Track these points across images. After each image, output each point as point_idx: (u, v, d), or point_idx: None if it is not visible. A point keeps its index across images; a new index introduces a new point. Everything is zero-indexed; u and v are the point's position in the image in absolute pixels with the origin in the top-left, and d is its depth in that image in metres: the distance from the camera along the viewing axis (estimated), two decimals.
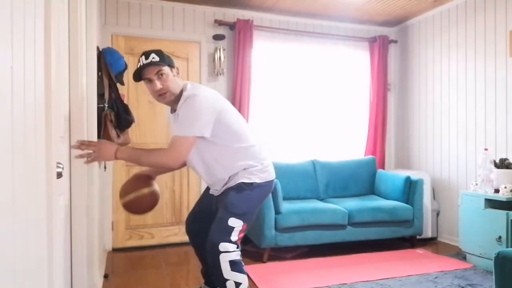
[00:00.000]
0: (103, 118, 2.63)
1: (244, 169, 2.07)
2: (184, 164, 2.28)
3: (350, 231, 3.61)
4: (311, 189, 4.07)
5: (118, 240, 3.79)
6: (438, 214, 4.16)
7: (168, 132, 3.88)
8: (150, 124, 3.92)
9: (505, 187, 3.06)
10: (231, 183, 2.07)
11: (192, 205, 2.50)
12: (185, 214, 3.85)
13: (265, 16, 4.28)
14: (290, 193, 3.92)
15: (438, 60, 4.18)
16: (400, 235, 3.79)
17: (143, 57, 1.98)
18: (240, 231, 1.98)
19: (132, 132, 3.37)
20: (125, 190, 2.16)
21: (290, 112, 4.36)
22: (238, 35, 4.04)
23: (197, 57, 4.09)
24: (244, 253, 1.97)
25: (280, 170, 3.67)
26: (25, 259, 0.95)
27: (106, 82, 2.73)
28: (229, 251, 1.90)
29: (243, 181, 2.04)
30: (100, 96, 2.63)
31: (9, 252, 0.82)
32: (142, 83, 2.09)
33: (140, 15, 3.90)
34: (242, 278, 1.92)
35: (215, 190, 2.19)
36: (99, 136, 2.57)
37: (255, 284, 2.83)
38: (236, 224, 1.96)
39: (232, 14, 4.18)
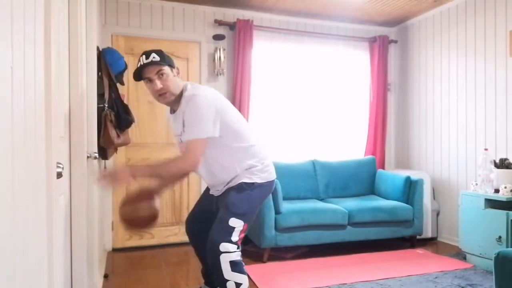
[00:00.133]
0: (103, 118, 2.64)
1: (245, 169, 2.07)
2: None
3: (350, 231, 3.61)
4: (311, 189, 4.07)
5: (118, 240, 3.79)
6: (438, 214, 4.16)
7: (168, 131, 3.89)
8: (150, 124, 3.92)
9: (505, 187, 3.06)
10: (232, 183, 2.07)
11: (192, 205, 2.50)
12: (185, 214, 3.85)
13: (265, 16, 4.28)
14: (290, 193, 3.92)
15: (438, 60, 4.18)
16: (400, 235, 3.79)
17: (144, 56, 1.98)
18: (241, 232, 1.97)
19: (132, 132, 3.37)
20: (124, 201, 2.06)
21: (290, 112, 4.36)
22: (238, 35, 4.04)
23: (197, 57, 4.09)
24: (244, 253, 1.97)
25: (280, 170, 3.67)
26: (25, 259, 0.95)
27: (106, 82, 2.74)
28: (229, 252, 1.90)
29: (244, 181, 2.04)
30: (100, 96, 2.63)
31: (9, 252, 0.82)
32: (142, 83, 2.09)
33: (140, 15, 3.90)
34: (242, 279, 1.92)
35: (216, 191, 2.19)
36: (99, 136, 2.57)
37: (255, 284, 2.83)
38: (236, 224, 1.95)
39: (232, 14, 4.18)
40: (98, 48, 2.73)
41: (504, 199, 3.03)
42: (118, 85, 2.92)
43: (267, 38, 4.25)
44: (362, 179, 4.26)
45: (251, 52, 4.08)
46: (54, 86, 1.22)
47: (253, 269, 3.14)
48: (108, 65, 2.79)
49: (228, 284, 1.89)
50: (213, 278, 2.26)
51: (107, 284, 2.87)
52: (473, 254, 3.25)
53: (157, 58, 1.97)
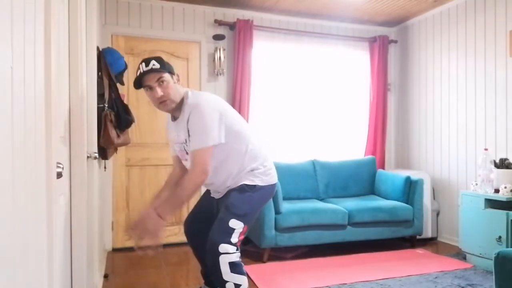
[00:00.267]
0: (103, 118, 2.64)
1: (247, 171, 2.06)
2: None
3: (350, 231, 3.61)
4: (311, 189, 4.07)
5: (118, 240, 3.79)
6: (438, 214, 4.16)
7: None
8: (150, 124, 3.92)
9: (505, 187, 3.06)
10: (233, 185, 2.07)
11: (192, 205, 2.50)
12: (185, 214, 3.84)
13: (265, 16, 4.28)
14: (290, 193, 3.92)
15: (438, 60, 4.18)
16: (400, 235, 3.80)
17: (143, 64, 1.96)
18: (241, 233, 1.97)
19: (132, 132, 3.37)
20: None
21: (290, 112, 4.36)
22: (238, 35, 4.04)
23: (197, 57, 4.09)
24: (244, 253, 1.96)
25: (280, 170, 3.66)
26: (25, 259, 0.95)
27: (106, 82, 2.74)
28: (229, 253, 1.90)
29: (245, 182, 2.04)
30: (100, 96, 2.63)
31: (9, 252, 0.82)
32: None
33: (140, 15, 3.90)
34: (242, 280, 1.92)
35: (217, 193, 2.19)
36: (99, 136, 2.57)
37: (255, 284, 2.83)
38: (237, 225, 1.95)
39: (232, 14, 4.18)
40: (98, 48, 2.73)
41: (504, 199, 3.03)
42: (118, 85, 2.92)
43: (267, 38, 4.25)
44: (362, 179, 4.26)
45: (251, 52, 4.08)
46: (54, 86, 1.22)
47: (253, 269, 3.14)
48: (108, 65, 2.79)
49: (227, 285, 1.89)
50: (213, 278, 2.26)
51: (107, 284, 2.87)
52: (473, 254, 3.25)
53: (157, 66, 1.95)
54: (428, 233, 4.00)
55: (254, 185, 2.04)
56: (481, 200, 3.17)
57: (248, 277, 2.01)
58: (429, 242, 4.03)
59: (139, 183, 3.87)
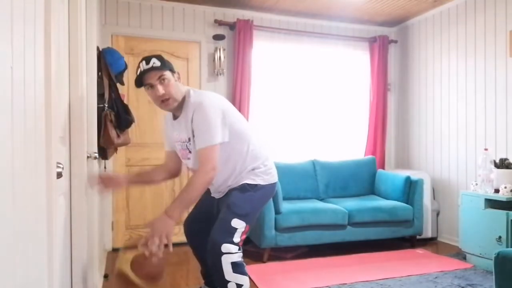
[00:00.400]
0: (103, 118, 2.64)
1: (248, 171, 2.06)
2: (178, 173, 2.29)
3: (350, 231, 3.61)
4: (311, 189, 4.07)
5: (118, 240, 3.79)
6: (438, 214, 4.16)
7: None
8: (150, 124, 3.92)
9: (505, 187, 3.06)
10: (234, 184, 2.06)
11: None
12: (185, 214, 3.84)
13: (265, 16, 4.28)
14: (290, 193, 3.92)
15: (438, 60, 4.18)
16: (400, 235, 3.80)
17: (144, 62, 1.94)
18: (243, 233, 1.96)
19: (132, 132, 3.37)
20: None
21: (290, 112, 4.37)
22: (238, 35, 4.04)
23: (197, 57, 4.09)
24: (244, 253, 1.96)
25: (280, 170, 3.65)
26: (25, 259, 0.95)
27: (106, 82, 2.73)
28: (231, 253, 1.89)
29: (247, 182, 2.03)
30: (100, 96, 2.63)
31: (9, 252, 0.82)
32: None
33: (140, 15, 3.90)
34: (243, 280, 1.91)
35: (218, 193, 2.18)
36: (99, 136, 2.57)
37: (255, 284, 2.83)
38: (239, 225, 1.94)
39: (232, 14, 4.18)
40: (98, 48, 2.73)
41: (504, 199, 3.03)
42: (118, 85, 2.92)
43: (267, 38, 4.25)
44: (362, 179, 4.26)
45: (251, 52, 4.08)
46: (54, 86, 1.22)
47: (253, 269, 3.14)
48: (108, 65, 2.79)
49: (229, 285, 1.88)
50: (213, 279, 2.25)
51: (107, 284, 2.87)
52: (473, 254, 3.25)
53: (158, 64, 1.93)
54: (428, 233, 4.00)
55: (256, 184, 2.04)
56: (481, 200, 3.17)
57: (248, 277, 2.01)
58: (429, 242, 4.03)
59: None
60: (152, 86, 1.96)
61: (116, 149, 3.09)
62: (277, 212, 3.41)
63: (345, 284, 2.84)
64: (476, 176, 3.69)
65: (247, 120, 4.00)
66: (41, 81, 1.13)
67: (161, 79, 1.94)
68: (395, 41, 4.75)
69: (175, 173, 2.29)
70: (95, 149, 2.42)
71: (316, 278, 2.97)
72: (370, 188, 4.28)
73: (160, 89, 1.94)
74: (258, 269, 3.18)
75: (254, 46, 4.13)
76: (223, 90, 4.14)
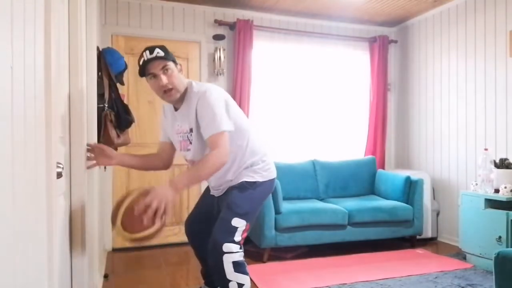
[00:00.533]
0: (103, 118, 2.63)
1: (247, 167, 2.06)
2: (169, 165, 2.27)
3: (350, 231, 3.61)
4: (311, 189, 4.07)
5: (118, 240, 3.79)
6: (438, 214, 4.16)
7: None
8: (150, 124, 3.92)
9: (505, 187, 3.06)
10: (234, 182, 2.06)
11: (192, 205, 2.50)
12: (185, 214, 3.85)
13: (265, 16, 4.28)
14: (290, 193, 3.92)
15: (438, 60, 4.18)
16: (400, 235, 3.80)
17: (147, 51, 1.93)
18: (243, 231, 1.96)
19: (132, 132, 3.37)
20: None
21: (290, 112, 4.37)
22: (238, 35, 4.05)
23: (197, 57, 4.09)
24: (244, 253, 1.96)
25: (280, 170, 3.66)
26: (25, 259, 0.95)
27: (106, 82, 2.73)
28: (232, 252, 1.89)
29: (245, 180, 2.03)
30: (100, 96, 2.63)
31: (9, 253, 0.82)
32: (142, 82, 2.07)
33: (140, 15, 3.90)
34: (245, 280, 1.91)
35: (217, 191, 2.18)
36: (99, 136, 2.57)
37: (255, 284, 2.83)
38: (239, 224, 1.94)
39: (232, 14, 4.18)
40: (98, 48, 2.73)
41: (504, 199, 3.03)
42: (118, 85, 2.92)
43: (267, 38, 4.25)
44: (362, 179, 4.26)
45: (251, 52, 4.08)
46: (54, 86, 1.22)
47: (253, 269, 3.14)
48: (108, 65, 2.79)
49: (230, 284, 1.88)
50: (213, 278, 2.25)
51: (107, 284, 2.87)
52: (473, 254, 3.25)
53: (162, 53, 1.92)
54: (428, 233, 4.00)
55: (254, 182, 2.04)
56: (481, 200, 3.17)
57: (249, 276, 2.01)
58: (429, 242, 4.03)
59: (139, 183, 3.86)
60: (155, 76, 1.94)
61: (116, 149, 3.08)
62: (277, 212, 3.41)
63: (345, 284, 2.84)
64: (476, 176, 3.69)
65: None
66: (41, 81, 1.13)
67: (165, 69, 1.93)
68: (395, 41, 4.75)
69: (167, 164, 2.28)
70: None
71: (316, 278, 2.97)
72: (370, 188, 4.28)
73: (164, 79, 1.92)
74: (258, 269, 3.18)
75: (254, 46, 4.13)
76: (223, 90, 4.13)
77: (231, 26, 4.12)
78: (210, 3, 4.02)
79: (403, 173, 4.03)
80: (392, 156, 4.84)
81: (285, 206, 3.50)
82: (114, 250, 3.76)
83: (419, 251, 3.71)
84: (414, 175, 3.96)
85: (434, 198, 4.17)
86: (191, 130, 2.01)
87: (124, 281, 2.94)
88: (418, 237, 3.93)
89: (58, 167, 1.32)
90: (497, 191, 3.19)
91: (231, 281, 1.88)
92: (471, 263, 3.26)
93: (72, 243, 1.88)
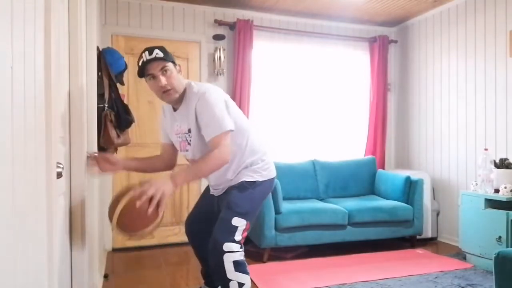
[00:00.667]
0: (103, 118, 2.64)
1: (246, 166, 2.06)
2: (173, 166, 2.28)
3: (350, 231, 3.61)
4: (311, 189, 4.07)
5: (118, 240, 3.79)
6: (438, 214, 4.16)
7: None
8: (150, 124, 3.92)
9: (505, 187, 3.06)
10: (233, 182, 2.06)
11: (192, 205, 2.50)
12: (185, 214, 3.85)
13: (265, 16, 4.28)
14: (290, 193, 3.92)
15: (438, 60, 4.18)
16: (400, 235, 3.79)
17: (146, 52, 1.93)
18: (244, 231, 1.96)
19: (132, 132, 3.37)
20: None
21: (290, 112, 4.37)
22: (238, 35, 4.05)
23: (197, 57, 4.09)
24: (244, 253, 1.96)
25: (280, 170, 3.66)
26: (25, 259, 0.95)
27: (106, 82, 2.73)
28: (233, 251, 1.89)
29: (245, 179, 2.03)
30: (100, 96, 2.63)
31: (9, 253, 0.82)
32: (142, 82, 2.07)
33: (140, 15, 3.90)
34: (245, 279, 1.91)
35: (217, 190, 2.19)
36: (99, 136, 2.57)
37: (255, 284, 2.83)
38: (239, 223, 1.94)
39: (232, 14, 4.18)
40: (98, 48, 2.73)
41: (504, 199, 3.03)
42: (118, 85, 2.92)
43: (267, 38, 4.25)
44: (362, 179, 4.26)
45: (251, 52, 4.08)
46: (54, 86, 1.22)
47: (253, 269, 3.13)
48: (108, 65, 2.79)
49: (231, 284, 1.88)
50: (213, 278, 2.25)
51: (107, 284, 2.87)
52: (473, 254, 3.25)
53: (161, 54, 1.93)
54: (428, 233, 4.00)
55: (254, 181, 2.04)
56: (481, 200, 3.17)
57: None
58: (429, 242, 4.03)
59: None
60: (154, 77, 1.95)
61: (116, 149, 3.09)
62: (277, 212, 3.41)
63: (345, 284, 2.84)
64: (476, 176, 3.69)
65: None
66: (41, 81, 1.13)
67: (164, 70, 1.94)
68: (395, 41, 4.75)
69: (170, 164, 2.29)
70: (95, 149, 2.42)
71: (316, 278, 2.97)
72: (370, 188, 4.28)
73: (163, 80, 1.93)
74: (258, 269, 3.18)
75: (254, 46, 4.13)
76: (223, 90, 4.13)
77: (231, 26, 4.12)
78: (210, 3, 4.02)
79: (403, 173, 4.03)
80: (392, 156, 4.84)
81: (285, 206, 3.50)
82: (114, 250, 3.76)
83: (419, 251, 3.71)
84: (414, 175, 3.96)
85: (434, 198, 4.17)
86: (189, 130, 2.02)
87: (124, 281, 2.94)
88: (418, 237, 3.93)
89: (58, 167, 1.32)
90: (497, 191, 3.19)
91: (231, 280, 1.88)
92: (471, 263, 3.26)
93: (72, 243, 1.88)
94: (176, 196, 3.99)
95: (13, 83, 0.85)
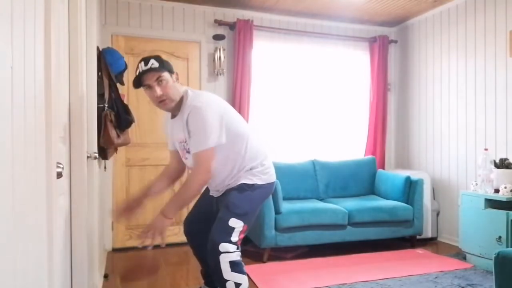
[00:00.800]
0: (103, 118, 2.64)
1: (246, 170, 2.07)
2: (183, 172, 2.32)
3: (350, 231, 3.61)
4: (311, 189, 4.07)
5: (118, 240, 3.79)
6: (438, 214, 4.16)
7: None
8: (150, 124, 3.92)
9: (505, 187, 3.06)
10: (233, 184, 2.07)
11: (191, 205, 2.50)
12: (184, 214, 3.84)
13: (265, 16, 4.28)
14: (290, 193, 3.92)
15: (438, 60, 4.18)
16: (400, 235, 3.79)
17: (142, 63, 1.96)
18: (241, 232, 1.97)
19: (132, 132, 3.37)
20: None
21: (290, 112, 4.36)
22: (238, 35, 4.04)
23: (197, 57, 4.09)
24: (244, 253, 1.97)
25: (280, 170, 3.67)
26: (25, 259, 0.95)
27: (106, 82, 2.74)
28: (229, 252, 1.90)
29: (244, 182, 2.04)
30: (100, 96, 2.63)
31: (9, 252, 0.82)
32: None
33: (140, 15, 3.90)
34: (242, 279, 1.92)
35: (216, 192, 2.19)
36: (99, 136, 2.57)
37: (255, 284, 2.83)
38: (236, 224, 1.95)
39: (232, 14, 4.18)
40: (98, 48, 2.73)
41: (504, 199, 3.03)
42: (118, 85, 2.92)
43: (267, 38, 4.25)
44: (362, 179, 4.26)
45: (251, 52, 4.07)
46: (54, 86, 1.22)
47: (253, 269, 3.14)
48: (108, 65, 2.79)
49: (227, 284, 1.90)
50: (213, 278, 2.25)
51: (107, 284, 2.87)
52: (473, 254, 3.25)
53: (156, 65, 1.95)
54: (428, 233, 4.00)
55: (253, 184, 2.05)
56: (481, 200, 3.17)
57: (248, 277, 2.02)
58: (429, 242, 4.03)
59: (139, 183, 3.86)
60: (150, 87, 1.98)
61: (116, 149, 3.09)
62: (277, 212, 3.41)
63: (345, 284, 2.84)
64: (476, 176, 3.69)
65: (247, 120, 4.01)
66: (41, 81, 1.13)
67: (159, 80, 1.96)
68: (395, 41, 4.75)
69: (182, 170, 2.32)
70: (95, 149, 2.42)
71: (316, 278, 2.97)
72: (370, 188, 4.28)
73: (158, 90, 1.96)
74: (258, 269, 3.18)
75: (254, 46, 4.13)
76: (223, 90, 4.14)
77: (231, 26, 4.12)
78: (210, 3, 4.02)
79: (403, 173, 4.03)
80: (392, 156, 4.84)
81: (285, 206, 3.50)
82: (114, 250, 3.76)
83: (419, 251, 3.71)
84: (414, 175, 3.96)
85: (434, 198, 4.17)
86: (185, 139, 2.05)
87: (124, 281, 2.94)
88: (418, 237, 3.92)
89: (58, 167, 1.32)
90: (497, 191, 3.19)
91: (228, 280, 1.89)
92: (471, 263, 3.26)
93: (72, 243, 1.88)
94: None
95: (13, 83, 0.85)
